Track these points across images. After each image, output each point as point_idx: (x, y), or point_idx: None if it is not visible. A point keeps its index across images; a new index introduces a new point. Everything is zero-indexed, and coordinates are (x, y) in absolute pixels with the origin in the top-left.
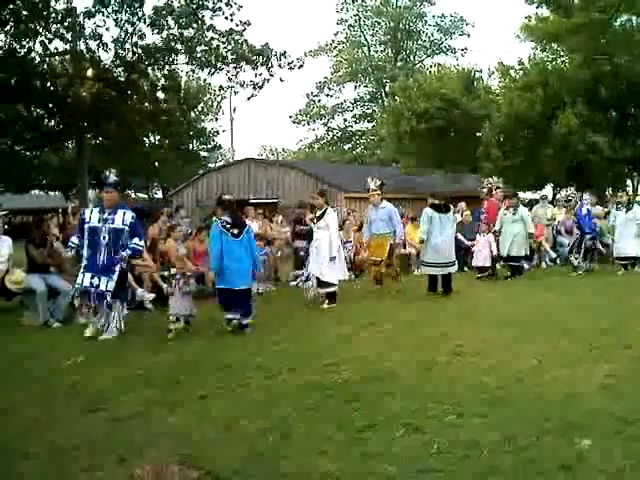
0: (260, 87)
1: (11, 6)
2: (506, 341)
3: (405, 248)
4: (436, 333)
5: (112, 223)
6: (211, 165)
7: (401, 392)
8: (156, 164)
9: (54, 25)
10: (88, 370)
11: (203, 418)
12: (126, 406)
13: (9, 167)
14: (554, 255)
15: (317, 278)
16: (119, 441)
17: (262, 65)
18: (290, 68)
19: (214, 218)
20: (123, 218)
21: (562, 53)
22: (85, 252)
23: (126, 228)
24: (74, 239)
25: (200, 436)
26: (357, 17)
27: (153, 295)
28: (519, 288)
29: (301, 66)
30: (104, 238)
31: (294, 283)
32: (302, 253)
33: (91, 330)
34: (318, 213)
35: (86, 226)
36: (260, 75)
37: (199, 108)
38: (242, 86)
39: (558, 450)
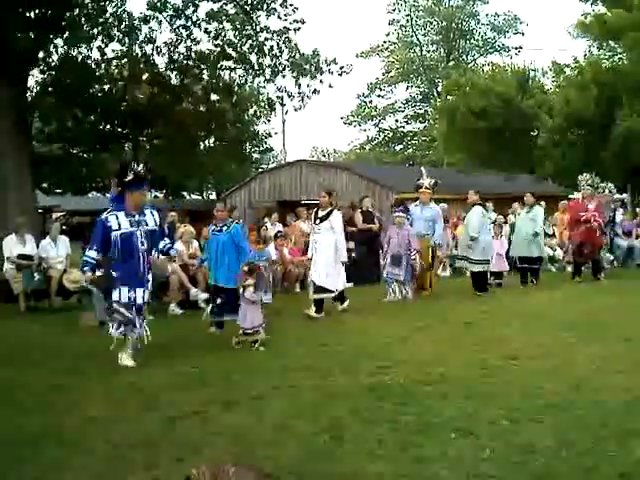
0: (309, 97)
1: (69, 13)
2: (562, 345)
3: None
4: (490, 335)
5: (146, 225)
6: (263, 167)
7: (455, 395)
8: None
9: (110, 29)
10: (144, 370)
11: (257, 418)
12: (181, 405)
13: (67, 170)
14: (611, 257)
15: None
16: (175, 439)
17: (312, 78)
18: (340, 74)
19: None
20: (153, 218)
21: (619, 50)
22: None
23: (157, 228)
24: (92, 253)
25: (255, 436)
26: (409, 17)
27: (207, 295)
28: (570, 290)
29: (349, 72)
30: (142, 243)
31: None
32: (353, 254)
33: (130, 358)
34: (321, 213)
35: (116, 234)
36: (310, 86)
37: (251, 111)
38: (290, 97)
39: (616, 457)
